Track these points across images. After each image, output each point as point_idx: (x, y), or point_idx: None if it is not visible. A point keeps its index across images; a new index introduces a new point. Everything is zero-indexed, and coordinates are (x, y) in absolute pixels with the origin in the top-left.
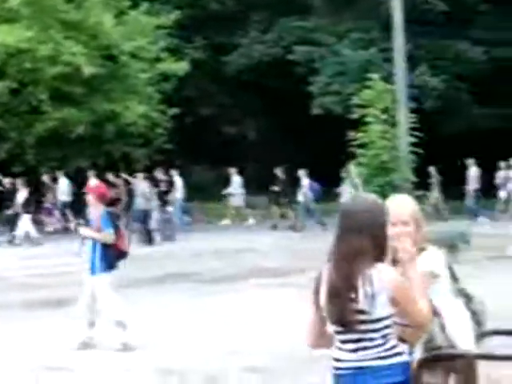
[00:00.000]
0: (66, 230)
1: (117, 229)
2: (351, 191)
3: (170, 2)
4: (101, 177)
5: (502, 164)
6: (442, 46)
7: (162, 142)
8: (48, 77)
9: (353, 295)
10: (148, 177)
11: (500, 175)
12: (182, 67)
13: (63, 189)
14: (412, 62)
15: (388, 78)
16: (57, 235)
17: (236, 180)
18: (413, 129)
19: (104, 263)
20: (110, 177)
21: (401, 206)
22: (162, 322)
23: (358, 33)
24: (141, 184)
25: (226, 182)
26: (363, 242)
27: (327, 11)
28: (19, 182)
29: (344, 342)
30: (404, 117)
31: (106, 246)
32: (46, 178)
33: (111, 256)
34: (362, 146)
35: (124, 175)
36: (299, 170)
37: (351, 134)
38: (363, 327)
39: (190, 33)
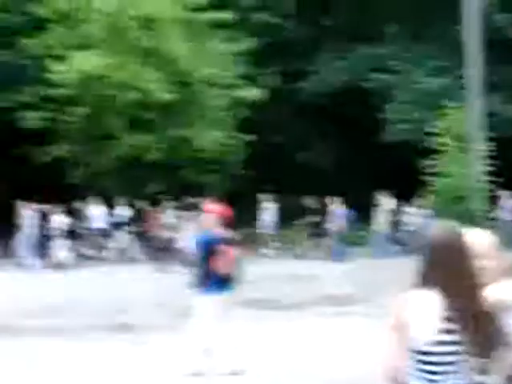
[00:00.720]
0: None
1: (212, 252)
2: (383, 220)
3: (244, 29)
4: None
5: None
6: None
7: (235, 169)
8: (123, 103)
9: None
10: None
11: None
12: (256, 94)
13: (97, 216)
14: (487, 89)
15: (463, 106)
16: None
17: (269, 207)
18: (488, 157)
19: (200, 285)
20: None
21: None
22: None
23: (433, 60)
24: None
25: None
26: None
27: (401, 38)
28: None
29: (433, 373)
30: (479, 145)
31: (202, 269)
32: (79, 206)
33: (206, 279)
34: (435, 174)
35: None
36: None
37: (425, 162)
38: (452, 358)
39: (264, 59)
